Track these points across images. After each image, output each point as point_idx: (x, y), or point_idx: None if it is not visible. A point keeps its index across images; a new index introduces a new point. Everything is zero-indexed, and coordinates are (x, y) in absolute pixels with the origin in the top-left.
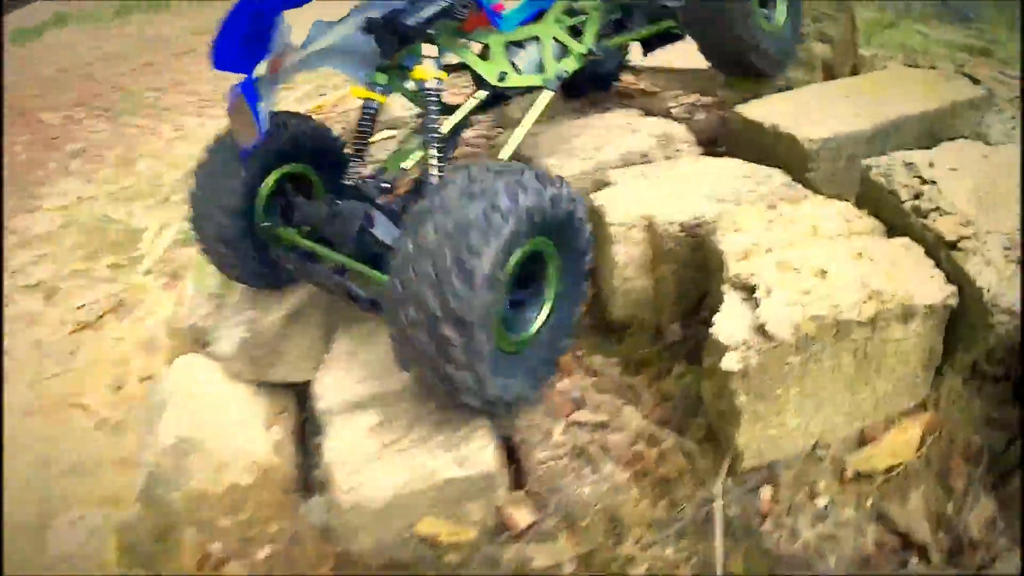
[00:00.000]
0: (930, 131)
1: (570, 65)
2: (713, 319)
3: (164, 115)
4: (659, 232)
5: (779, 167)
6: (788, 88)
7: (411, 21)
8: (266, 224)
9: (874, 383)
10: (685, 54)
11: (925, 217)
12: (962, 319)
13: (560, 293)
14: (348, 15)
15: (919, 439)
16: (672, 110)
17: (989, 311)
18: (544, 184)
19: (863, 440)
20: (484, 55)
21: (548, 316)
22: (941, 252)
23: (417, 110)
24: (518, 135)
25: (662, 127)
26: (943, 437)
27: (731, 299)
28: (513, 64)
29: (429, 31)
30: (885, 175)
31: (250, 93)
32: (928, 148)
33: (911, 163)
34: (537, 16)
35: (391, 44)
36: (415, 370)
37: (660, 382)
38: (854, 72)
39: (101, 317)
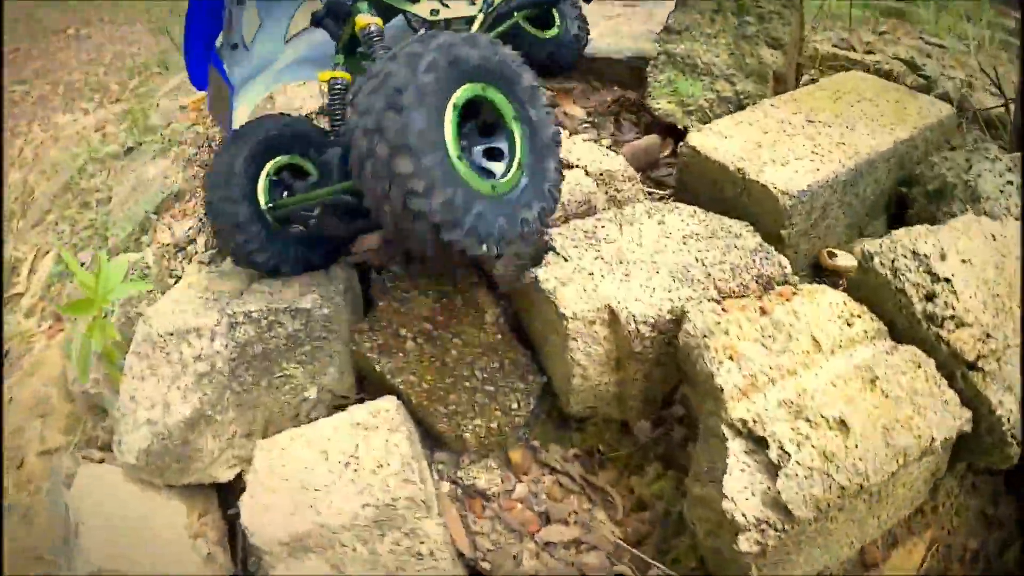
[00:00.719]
0: (902, 163)
1: None
2: (724, 483)
3: (32, 112)
4: (626, 331)
5: (743, 217)
6: (738, 102)
7: (347, 4)
8: (270, 204)
9: (880, 512)
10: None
11: (940, 326)
12: (974, 439)
13: (524, 135)
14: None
15: (921, 558)
16: (591, 112)
17: (1008, 441)
18: (460, 39)
19: (865, 563)
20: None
21: (521, 157)
22: (957, 370)
23: None
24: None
25: (598, 161)
26: (942, 547)
27: (735, 450)
28: (443, 1)
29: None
30: (891, 269)
31: (218, 62)
32: (905, 187)
33: (920, 254)
34: None
35: (336, 25)
36: (398, 237)
37: (630, 481)
38: (799, 72)
39: None
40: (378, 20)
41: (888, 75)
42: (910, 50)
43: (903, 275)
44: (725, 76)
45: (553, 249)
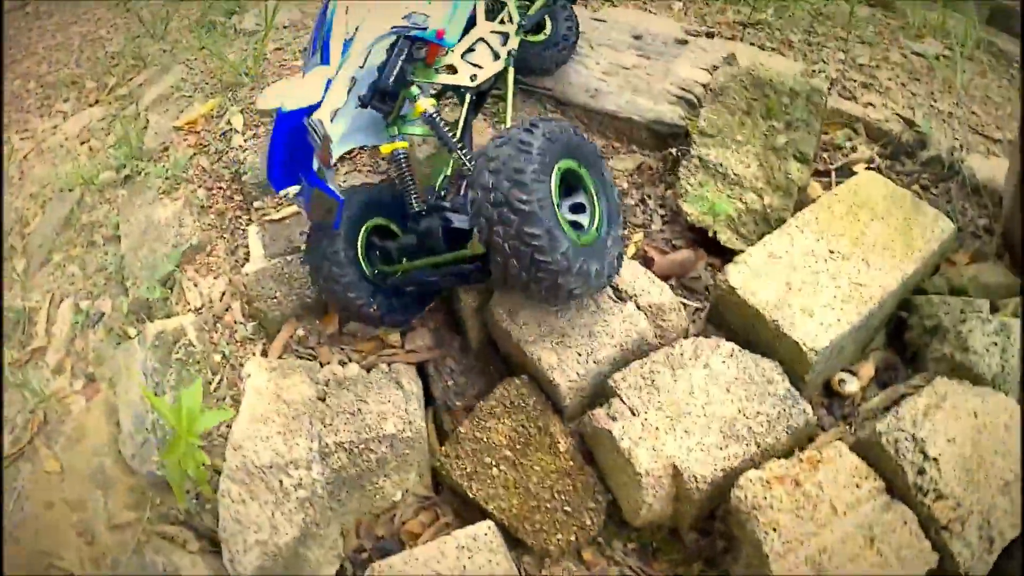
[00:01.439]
0: (906, 290)
1: (513, 43)
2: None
3: (5, 111)
4: (687, 485)
5: (772, 351)
6: (764, 214)
7: (390, 82)
8: (375, 269)
9: None
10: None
11: (925, 495)
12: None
13: (599, 187)
14: (329, 101)
15: None
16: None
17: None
18: (552, 123)
19: None
20: (453, 70)
21: (599, 213)
22: (932, 527)
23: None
24: (508, 105)
25: (647, 291)
26: None
27: None
28: (475, 65)
29: (407, 80)
30: (894, 447)
31: (318, 182)
32: (905, 311)
33: (918, 438)
34: (471, 24)
35: (387, 105)
36: (521, 282)
37: (678, 571)
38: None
39: (30, 442)
40: (432, 100)
41: (887, 137)
42: (904, 97)
43: (903, 454)
44: (754, 188)
45: (615, 288)
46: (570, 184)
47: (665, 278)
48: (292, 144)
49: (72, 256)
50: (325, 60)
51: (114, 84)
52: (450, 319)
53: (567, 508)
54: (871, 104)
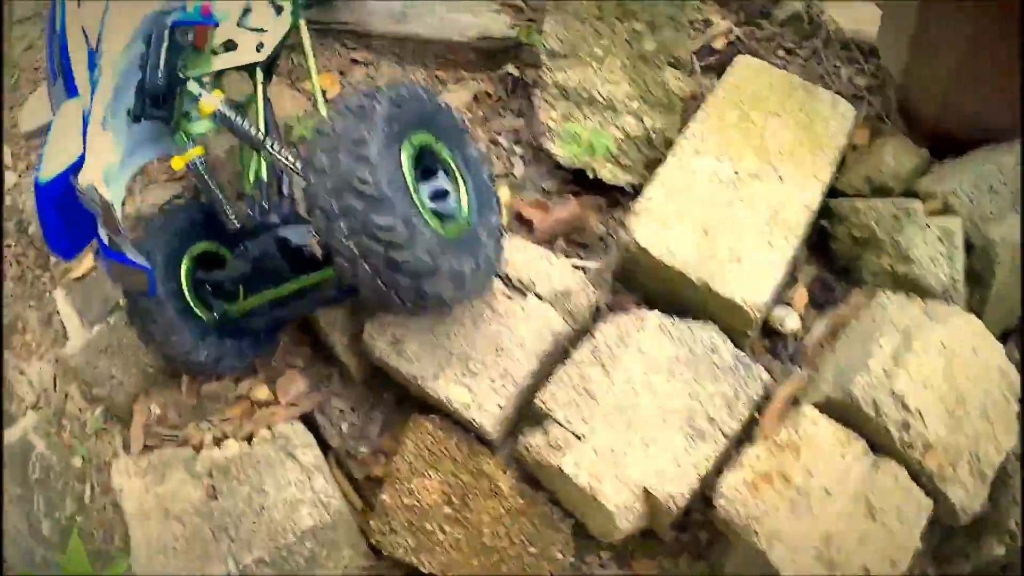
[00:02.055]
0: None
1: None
2: None
3: None
4: (662, 505)
5: (701, 312)
6: (648, 139)
7: (160, 83)
8: (214, 312)
9: None
10: None
11: (914, 449)
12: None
13: (462, 167)
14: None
15: None
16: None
17: (958, 513)
18: (400, 87)
19: None
20: (232, 46)
21: (468, 198)
22: (922, 476)
23: None
24: (311, 66)
25: (547, 276)
26: None
27: None
28: (257, 30)
29: (179, 75)
30: (874, 408)
31: (113, 255)
32: (825, 220)
33: (897, 393)
34: None
35: (163, 110)
36: (375, 291)
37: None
38: None
39: None
40: (218, 92)
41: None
42: None
43: (884, 413)
44: (630, 110)
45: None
46: (427, 167)
47: (550, 240)
48: (66, 209)
49: None
50: (71, 89)
51: None
52: (316, 348)
53: (532, 549)
54: None
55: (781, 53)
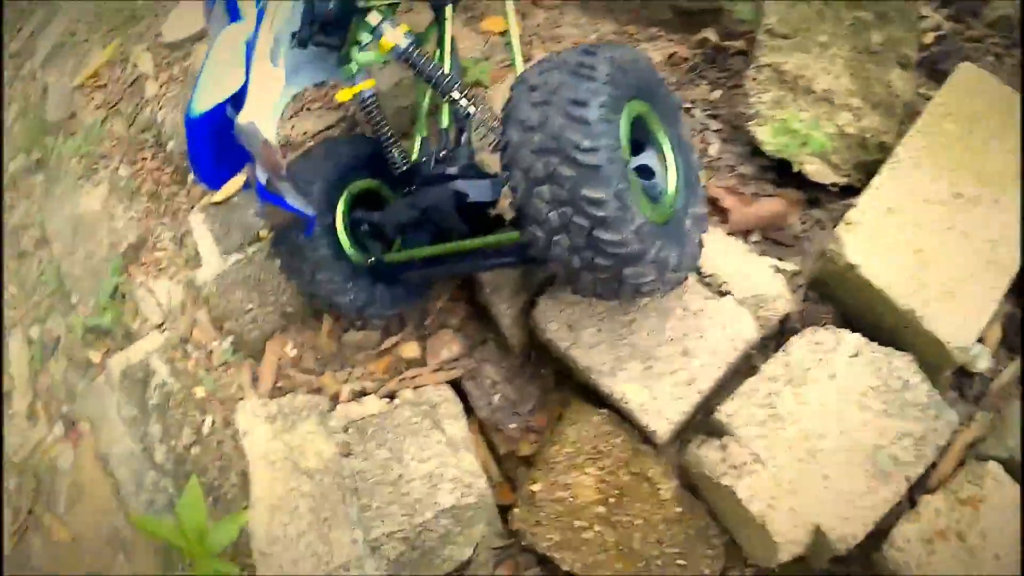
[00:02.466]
0: None
1: None
2: None
3: None
4: (832, 544)
5: (901, 338)
6: (862, 141)
7: (331, 6)
8: (371, 256)
9: None
10: None
11: None
12: None
13: (674, 146)
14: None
15: None
16: None
17: None
18: (604, 53)
19: None
20: None
21: (677, 181)
22: None
23: None
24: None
25: (744, 275)
26: None
27: None
28: None
29: (358, 3)
30: None
31: (271, 198)
32: None
33: None
34: None
35: (334, 38)
36: (568, 268)
37: None
38: None
39: (31, 512)
40: (404, 26)
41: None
42: None
43: None
44: (847, 106)
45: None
46: (637, 140)
47: (744, 232)
48: (217, 140)
49: (7, 272)
50: (233, 13)
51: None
52: (474, 308)
53: (680, 561)
54: None
55: (990, 59)
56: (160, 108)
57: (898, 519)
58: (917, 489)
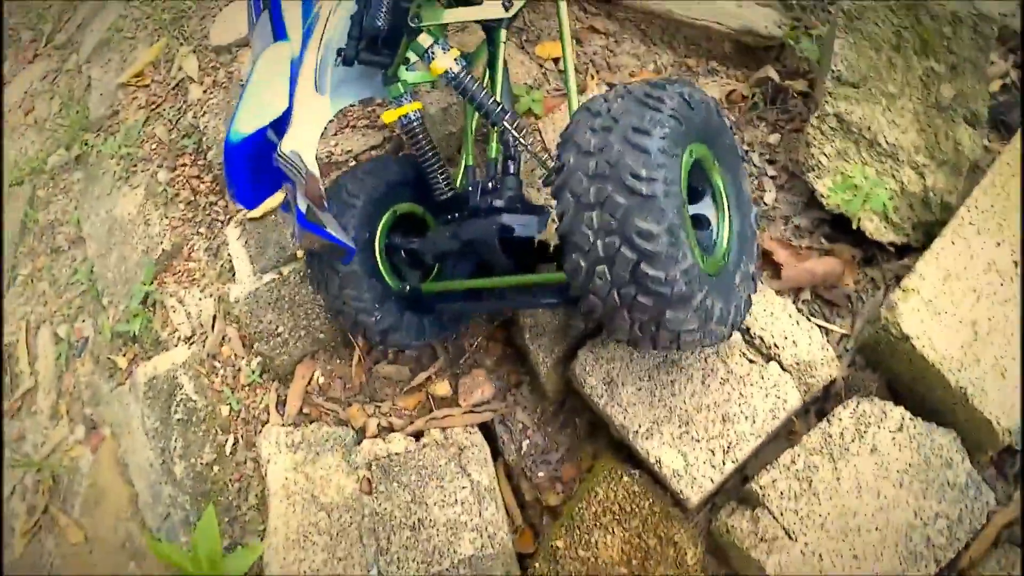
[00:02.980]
0: None
1: None
2: None
3: None
4: None
5: (947, 415)
6: (924, 199)
7: (380, 23)
8: (408, 286)
9: None
10: None
11: None
12: None
13: (732, 199)
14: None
15: None
16: None
17: None
18: (666, 90)
19: None
20: (470, 0)
21: (730, 234)
22: None
23: None
24: (564, 25)
25: (791, 338)
26: None
27: None
28: None
29: (410, 22)
30: None
31: (311, 226)
32: None
33: None
34: None
35: (383, 56)
36: (607, 306)
37: None
38: None
39: (45, 511)
40: (455, 51)
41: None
42: None
43: None
44: (912, 163)
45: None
46: (694, 187)
47: (795, 290)
48: (256, 162)
49: (38, 269)
50: (279, 31)
51: (51, 31)
52: (509, 349)
53: None
54: None
55: None
56: (203, 114)
57: None
58: (949, 572)
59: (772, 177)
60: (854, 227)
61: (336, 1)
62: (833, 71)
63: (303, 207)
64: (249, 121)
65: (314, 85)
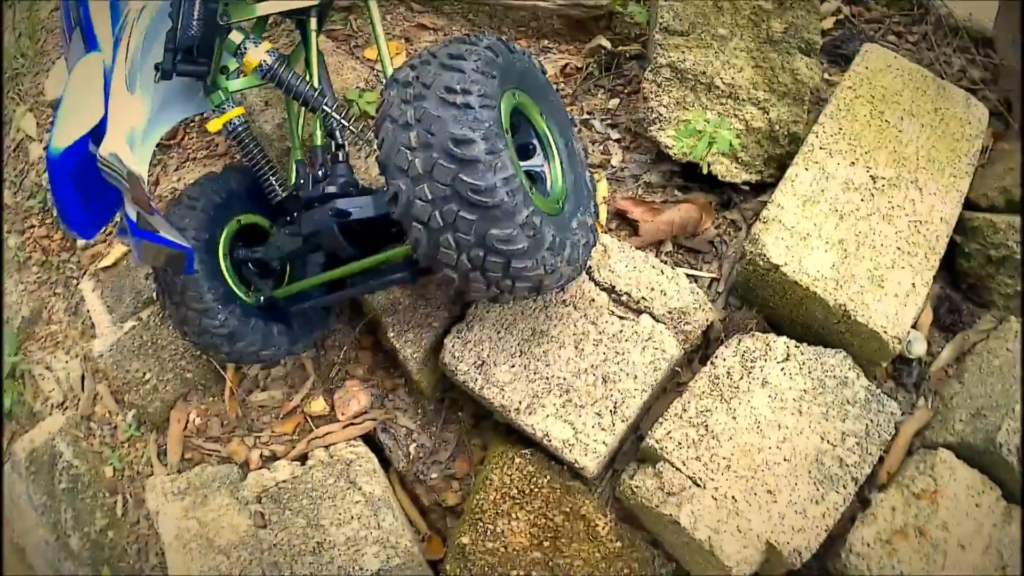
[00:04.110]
0: None
1: None
2: None
3: None
4: (785, 559)
5: (833, 337)
6: (771, 133)
7: (194, 32)
8: (261, 295)
9: None
10: None
11: None
12: None
13: (562, 152)
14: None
15: None
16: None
17: None
18: (485, 36)
19: None
20: None
21: (560, 177)
22: None
23: None
24: (374, 13)
25: (662, 289)
26: None
27: None
28: None
29: (219, 22)
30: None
31: (144, 234)
32: (959, 234)
33: None
34: None
35: (200, 65)
36: (459, 270)
37: None
38: None
39: None
40: (267, 44)
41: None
42: None
43: None
44: (753, 100)
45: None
46: (525, 144)
47: (656, 244)
48: (84, 180)
49: None
50: (90, 42)
51: None
52: (378, 352)
53: None
54: None
55: (891, 38)
56: (45, 172)
57: (853, 523)
58: (868, 488)
59: (616, 140)
60: (704, 172)
61: (142, 3)
62: (660, 22)
63: (133, 215)
64: (67, 133)
65: (125, 86)
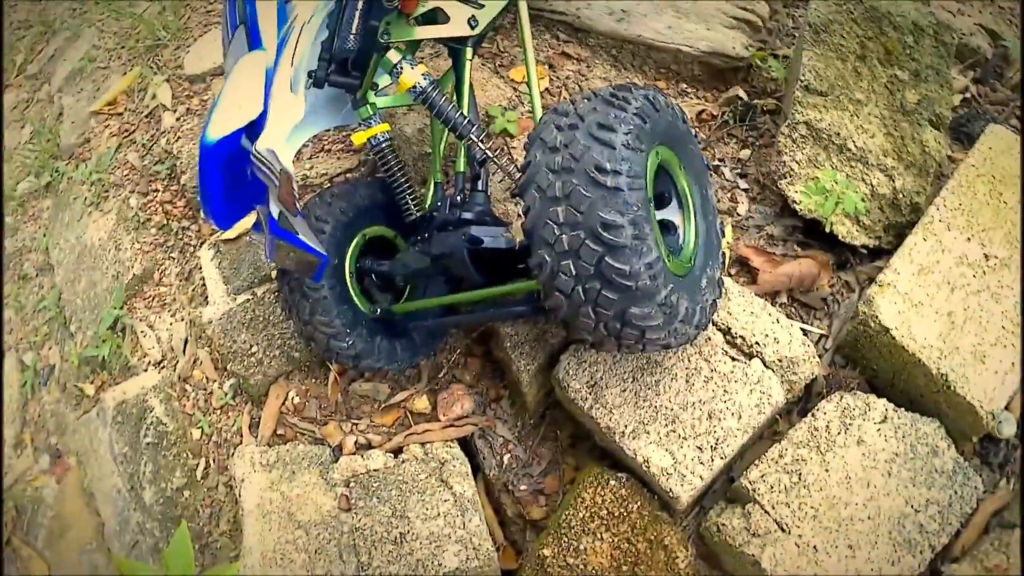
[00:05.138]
0: None
1: None
2: None
3: None
4: None
5: (931, 405)
6: (894, 201)
7: (349, 46)
8: (379, 308)
9: None
10: None
11: None
12: None
13: (697, 204)
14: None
15: None
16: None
17: None
18: (632, 92)
19: None
20: (441, 17)
21: (696, 238)
22: None
23: None
24: (527, 47)
25: (773, 337)
26: None
27: None
28: (474, 2)
29: (379, 40)
30: None
31: (283, 234)
32: None
33: None
34: None
35: (352, 79)
36: (573, 302)
37: None
38: None
39: (8, 542)
40: (423, 67)
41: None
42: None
43: None
44: (881, 166)
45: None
46: (661, 193)
47: (772, 294)
48: (231, 173)
49: (4, 296)
50: (255, 41)
51: (23, 61)
52: (488, 363)
53: None
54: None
55: (1014, 121)
56: (176, 140)
57: None
58: (941, 559)
59: (744, 189)
60: (827, 231)
61: (311, 8)
62: (801, 80)
63: (275, 213)
64: (224, 123)
65: (289, 87)
